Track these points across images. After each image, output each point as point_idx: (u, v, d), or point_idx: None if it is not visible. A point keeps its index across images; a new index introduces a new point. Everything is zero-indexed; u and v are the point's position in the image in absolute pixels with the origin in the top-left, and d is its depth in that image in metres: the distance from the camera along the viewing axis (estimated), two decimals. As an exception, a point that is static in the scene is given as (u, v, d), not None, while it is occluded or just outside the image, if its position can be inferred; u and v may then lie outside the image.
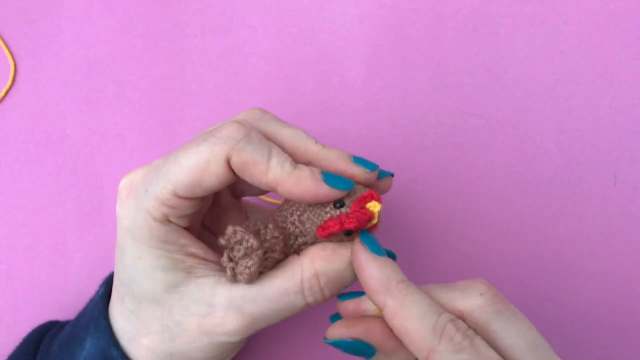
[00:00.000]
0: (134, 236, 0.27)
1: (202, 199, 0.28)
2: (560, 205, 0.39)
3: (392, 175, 0.31)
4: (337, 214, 0.27)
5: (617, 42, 0.40)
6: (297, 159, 0.28)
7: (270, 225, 0.28)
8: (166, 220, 0.27)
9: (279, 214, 0.29)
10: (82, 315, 0.32)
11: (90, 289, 0.39)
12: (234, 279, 0.27)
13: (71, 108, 0.41)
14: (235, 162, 0.26)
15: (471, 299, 0.25)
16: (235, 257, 0.27)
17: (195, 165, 0.26)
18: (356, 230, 0.27)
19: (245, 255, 0.27)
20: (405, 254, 0.39)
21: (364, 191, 0.28)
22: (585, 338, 0.38)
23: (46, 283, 0.40)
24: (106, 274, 0.37)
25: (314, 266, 0.27)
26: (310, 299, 0.27)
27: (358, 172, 0.28)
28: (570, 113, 0.40)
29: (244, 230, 0.27)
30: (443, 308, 0.25)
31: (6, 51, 0.41)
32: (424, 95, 0.40)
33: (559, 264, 0.39)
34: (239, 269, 0.27)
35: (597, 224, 0.39)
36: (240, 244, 0.27)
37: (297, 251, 0.29)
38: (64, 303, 0.39)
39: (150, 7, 0.42)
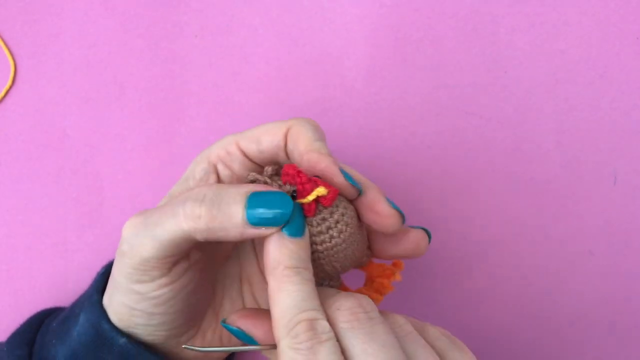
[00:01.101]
0: (190, 168, 0.31)
1: (248, 167, 0.30)
2: (560, 205, 0.39)
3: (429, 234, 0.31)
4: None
5: (617, 42, 0.40)
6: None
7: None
8: (213, 163, 0.30)
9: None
10: (81, 296, 0.33)
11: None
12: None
13: (71, 108, 0.41)
14: (292, 132, 0.28)
15: (334, 310, 0.25)
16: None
17: (263, 127, 0.29)
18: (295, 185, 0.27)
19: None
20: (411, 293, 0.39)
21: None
22: (585, 338, 0.38)
23: (46, 283, 0.40)
24: (106, 274, 0.37)
25: (209, 186, 0.27)
26: (184, 221, 0.26)
27: (344, 185, 0.27)
28: (570, 113, 0.40)
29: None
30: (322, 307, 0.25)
31: (6, 51, 0.41)
32: (424, 95, 0.40)
33: (559, 264, 0.39)
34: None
35: (597, 224, 0.39)
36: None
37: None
38: (64, 303, 0.39)
39: (150, 7, 0.42)
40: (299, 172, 0.27)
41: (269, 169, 0.28)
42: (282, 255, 0.25)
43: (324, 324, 0.24)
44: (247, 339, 0.27)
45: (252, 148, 0.29)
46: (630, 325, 0.38)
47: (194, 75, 0.41)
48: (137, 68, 0.41)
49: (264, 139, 0.29)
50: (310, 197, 0.26)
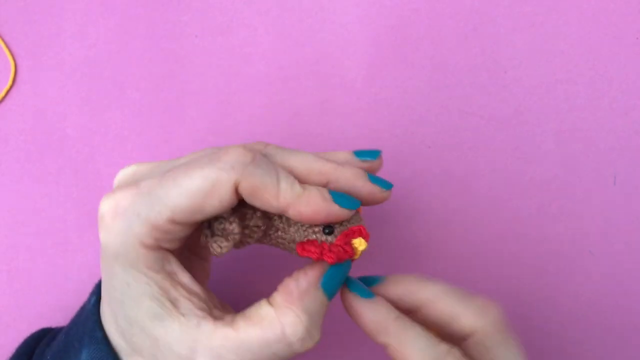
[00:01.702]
0: (122, 262, 0.26)
1: (193, 225, 0.27)
2: (560, 205, 0.39)
3: (391, 186, 0.31)
4: (322, 239, 0.27)
5: (617, 42, 0.40)
6: (312, 181, 0.28)
7: (259, 213, 0.28)
8: (156, 246, 0.26)
9: None
10: (74, 324, 0.31)
11: (90, 289, 0.39)
12: (205, 243, 0.28)
13: (71, 108, 0.41)
14: (245, 187, 0.25)
15: (483, 321, 0.27)
16: (215, 228, 0.27)
17: (199, 189, 0.25)
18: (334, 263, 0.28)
19: (223, 235, 0.27)
20: (405, 254, 0.39)
21: (356, 221, 0.28)
22: (585, 338, 0.38)
23: (46, 283, 0.40)
24: (106, 274, 0.37)
25: (291, 309, 0.26)
26: (297, 346, 0.26)
27: (374, 190, 0.28)
28: (570, 113, 0.40)
29: (230, 212, 0.27)
30: (451, 321, 0.27)
31: (6, 51, 0.41)
32: (424, 95, 0.40)
33: (559, 264, 0.39)
34: (213, 243, 0.27)
35: (597, 224, 0.39)
36: (222, 224, 0.27)
37: (272, 243, 0.29)
38: (64, 303, 0.39)
39: (150, 7, 0.42)
40: (328, 247, 0.27)
41: (235, 230, 0.27)
42: (382, 314, 0.27)
43: (455, 349, 0.26)
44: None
45: (195, 219, 0.26)
46: (630, 325, 0.38)
47: (194, 75, 0.41)
48: (137, 68, 0.41)
49: (208, 208, 0.26)
50: (358, 255, 0.28)
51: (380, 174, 0.32)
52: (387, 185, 0.29)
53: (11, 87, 0.41)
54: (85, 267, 0.40)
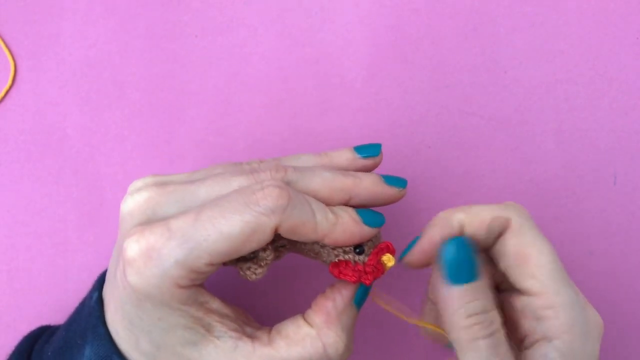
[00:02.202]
0: (154, 301, 0.26)
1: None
2: (560, 205, 0.39)
3: (407, 183, 0.32)
4: (355, 259, 0.28)
5: (617, 42, 0.40)
6: (336, 200, 0.29)
7: (288, 246, 0.29)
8: (190, 286, 0.27)
9: None
10: (75, 320, 0.31)
11: (89, 289, 0.39)
12: (239, 272, 0.28)
13: (71, 108, 0.41)
14: (285, 228, 0.26)
15: (509, 213, 0.28)
16: (247, 262, 0.28)
17: (240, 234, 0.25)
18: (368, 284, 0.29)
19: (257, 264, 0.28)
20: (405, 254, 0.39)
21: (379, 235, 0.30)
22: (585, 338, 0.38)
23: (46, 283, 0.40)
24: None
25: (331, 329, 0.28)
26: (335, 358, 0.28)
27: (393, 192, 0.30)
28: (570, 113, 0.40)
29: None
30: (483, 226, 0.28)
31: (6, 51, 0.41)
32: (424, 95, 0.40)
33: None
34: (246, 270, 0.28)
35: (597, 224, 0.39)
36: (255, 252, 0.28)
37: (304, 254, 0.30)
38: (64, 303, 0.39)
39: (150, 7, 0.42)
40: (359, 270, 0.28)
41: (269, 259, 0.28)
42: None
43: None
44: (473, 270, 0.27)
45: (231, 258, 0.27)
46: (630, 325, 0.38)
47: (194, 75, 0.41)
48: (137, 68, 0.41)
49: (247, 249, 0.26)
50: (387, 268, 0.29)
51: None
52: (403, 183, 0.31)
53: (11, 87, 0.41)
54: (85, 267, 0.40)
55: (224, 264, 0.28)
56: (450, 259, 0.26)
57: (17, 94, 0.41)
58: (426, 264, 0.29)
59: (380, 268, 0.28)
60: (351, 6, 0.41)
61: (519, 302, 0.28)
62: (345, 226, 0.27)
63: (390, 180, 0.30)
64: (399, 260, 0.29)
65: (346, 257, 0.28)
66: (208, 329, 0.28)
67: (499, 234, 0.28)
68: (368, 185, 0.29)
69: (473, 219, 0.28)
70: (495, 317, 0.26)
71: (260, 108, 0.41)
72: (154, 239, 0.26)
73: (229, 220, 0.25)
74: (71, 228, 0.40)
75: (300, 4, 0.41)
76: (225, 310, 0.28)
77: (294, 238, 0.27)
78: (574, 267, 0.39)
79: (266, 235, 0.26)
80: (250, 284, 0.39)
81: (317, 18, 0.41)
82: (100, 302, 0.30)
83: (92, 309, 0.30)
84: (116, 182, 0.40)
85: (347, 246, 0.28)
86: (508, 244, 0.28)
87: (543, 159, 0.40)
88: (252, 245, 0.26)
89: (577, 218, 0.39)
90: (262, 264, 0.28)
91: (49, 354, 0.31)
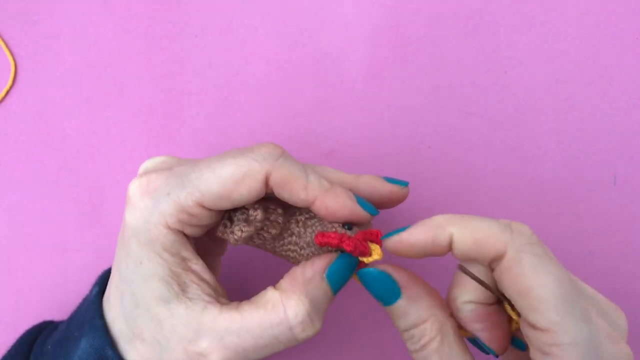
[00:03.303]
0: (140, 238, 0.27)
1: (217, 213, 0.28)
2: (560, 205, 0.39)
3: (408, 184, 0.32)
4: (342, 232, 0.28)
5: (617, 42, 0.40)
6: None
7: (280, 210, 0.29)
8: (176, 230, 0.27)
9: (290, 210, 0.30)
10: (75, 315, 0.32)
11: (89, 289, 0.39)
12: (223, 233, 0.28)
13: (71, 108, 0.41)
14: (275, 178, 0.27)
15: (510, 238, 0.26)
16: (236, 217, 0.28)
17: (232, 175, 0.26)
18: (349, 253, 0.28)
19: (246, 220, 0.28)
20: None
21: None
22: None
23: (46, 283, 0.40)
24: (106, 274, 0.37)
25: (294, 292, 0.27)
26: (297, 330, 0.27)
27: (394, 189, 0.30)
28: (570, 113, 0.40)
29: (256, 202, 0.28)
30: (480, 247, 0.26)
31: (6, 51, 0.41)
32: (424, 95, 0.40)
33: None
34: (234, 228, 0.28)
35: (597, 224, 0.39)
36: (247, 210, 0.28)
37: (283, 249, 0.29)
38: (64, 303, 0.39)
39: (150, 7, 0.42)
40: (347, 240, 0.27)
41: (258, 217, 0.28)
42: (437, 220, 0.27)
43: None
44: (392, 290, 0.27)
45: (222, 206, 0.27)
46: (630, 325, 0.38)
47: (194, 75, 0.41)
48: (137, 68, 0.41)
49: (236, 196, 0.27)
50: (366, 260, 0.28)
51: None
52: (404, 182, 0.31)
53: (11, 87, 0.41)
54: (85, 267, 0.40)
55: (224, 232, 0.28)
56: (370, 288, 0.28)
57: (17, 94, 0.41)
58: (402, 255, 0.28)
59: (366, 245, 0.28)
60: (351, 6, 0.41)
61: (526, 330, 0.25)
62: (338, 194, 0.27)
63: (390, 179, 0.30)
64: (380, 239, 0.28)
65: (333, 230, 0.28)
66: (183, 288, 0.28)
67: (493, 259, 0.26)
68: (368, 180, 0.30)
69: (465, 236, 0.26)
70: (424, 331, 0.26)
71: (260, 108, 0.41)
72: (154, 177, 0.28)
73: (223, 163, 0.27)
74: (71, 228, 0.40)
75: (300, 4, 0.41)
76: (206, 275, 0.28)
77: (284, 195, 0.27)
78: (574, 267, 0.39)
79: (257, 183, 0.26)
80: (249, 285, 0.39)
81: (317, 18, 0.41)
82: (99, 296, 0.31)
83: (90, 302, 0.31)
84: (116, 182, 0.40)
85: (334, 227, 0.28)
86: (505, 273, 0.25)
87: (543, 159, 0.40)
88: (243, 191, 0.26)
89: (577, 218, 0.39)
90: (251, 224, 0.28)
91: (49, 347, 0.31)
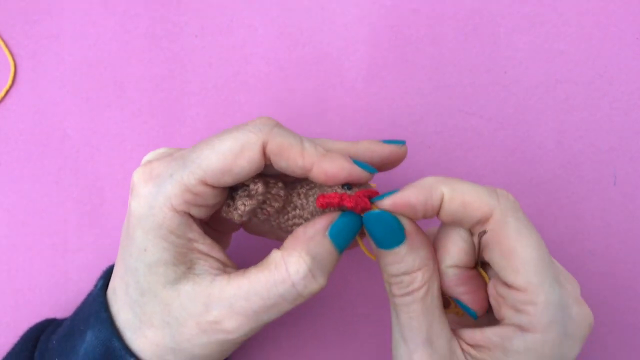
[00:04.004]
0: (144, 225, 0.27)
1: (221, 192, 0.28)
2: (560, 205, 0.39)
3: (405, 142, 0.32)
4: (342, 192, 0.28)
5: (617, 42, 0.40)
6: None
7: (280, 184, 0.29)
8: (182, 211, 0.27)
9: (291, 185, 0.30)
10: (80, 309, 0.32)
11: (90, 288, 0.39)
12: (227, 212, 0.29)
13: (71, 108, 0.41)
14: (272, 147, 0.27)
15: (496, 202, 0.27)
16: (238, 195, 0.28)
17: (230, 149, 0.27)
18: (351, 209, 0.28)
19: (248, 195, 0.28)
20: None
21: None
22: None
23: (46, 283, 0.40)
24: (106, 274, 0.37)
25: (295, 249, 0.27)
26: (300, 287, 0.27)
27: (391, 148, 0.30)
28: (570, 113, 0.40)
29: (256, 175, 0.28)
30: (468, 209, 0.27)
31: (6, 51, 0.41)
32: (424, 95, 0.40)
33: (559, 264, 0.39)
34: (237, 204, 0.28)
35: (597, 224, 0.39)
36: (248, 186, 0.28)
37: (288, 223, 0.30)
38: (64, 303, 0.39)
39: (150, 7, 0.42)
40: (347, 198, 0.28)
41: (259, 190, 0.28)
42: (427, 182, 0.27)
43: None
44: (398, 233, 0.27)
45: (225, 181, 0.27)
46: (631, 325, 0.38)
47: (194, 75, 0.41)
48: (137, 68, 0.41)
49: (237, 169, 0.27)
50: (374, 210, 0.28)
51: (381, 173, 0.32)
52: (401, 142, 0.31)
53: (11, 87, 0.41)
54: (85, 267, 0.40)
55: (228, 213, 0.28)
56: (372, 229, 0.27)
57: (17, 94, 0.41)
58: (397, 214, 0.28)
59: (366, 202, 0.28)
60: (351, 6, 0.41)
61: (502, 289, 0.27)
62: (335, 158, 0.28)
63: (387, 141, 0.31)
64: (371, 202, 0.28)
65: (333, 192, 0.28)
66: (190, 265, 0.28)
67: (479, 221, 0.27)
68: (365, 144, 0.30)
69: (454, 197, 0.27)
70: (414, 278, 0.27)
71: (260, 108, 0.41)
72: (157, 164, 0.28)
73: (220, 139, 0.27)
74: (71, 228, 0.40)
75: (300, 4, 0.41)
76: (213, 252, 0.29)
77: (282, 164, 0.28)
78: (574, 267, 0.39)
79: (255, 153, 0.27)
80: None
81: (317, 18, 0.41)
82: (104, 289, 0.31)
83: (95, 295, 0.31)
84: (116, 182, 0.40)
85: (336, 185, 0.28)
86: (490, 235, 0.27)
87: (543, 159, 0.40)
88: (243, 163, 0.27)
89: (577, 218, 0.39)
90: (253, 198, 0.28)
91: (54, 342, 0.32)
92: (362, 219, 0.28)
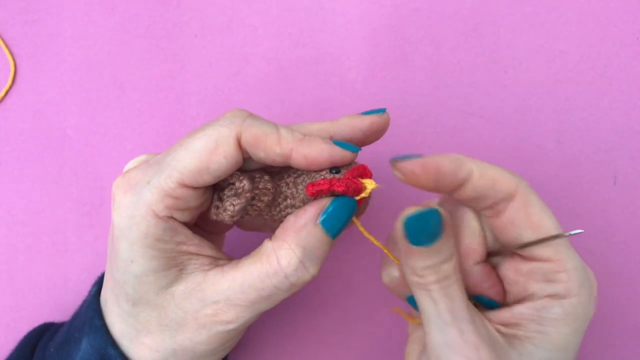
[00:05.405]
0: (129, 237, 0.27)
1: (204, 192, 0.28)
2: (560, 205, 0.39)
3: (385, 110, 0.31)
4: (330, 177, 0.28)
5: (617, 42, 0.40)
6: None
7: (266, 177, 0.28)
8: (166, 217, 0.27)
9: (278, 175, 0.30)
10: (76, 316, 0.32)
11: (89, 290, 0.39)
12: (217, 215, 0.28)
13: (71, 108, 0.41)
14: (247, 138, 0.26)
15: (520, 182, 0.28)
16: (225, 195, 0.28)
17: (204, 147, 0.26)
18: (343, 194, 0.27)
19: (235, 194, 0.27)
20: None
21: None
22: (585, 338, 0.38)
23: (46, 283, 0.40)
24: (106, 274, 0.37)
25: (285, 241, 0.27)
26: (293, 278, 0.27)
27: (372, 119, 0.29)
28: (570, 113, 0.40)
29: (240, 172, 0.28)
30: (493, 186, 0.28)
31: (6, 51, 0.41)
32: (424, 95, 0.40)
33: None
34: (225, 204, 0.28)
35: (597, 224, 0.39)
36: (233, 184, 0.27)
37: (281, 214, 0.29)
38: (64, 303, 0.39)
39: (150, 7, 0.42)
40: (337, 182, 0.27)
41: (245, 187, 0.27)
42: (456, 158, 0.27)
43: None
44: (439, 225, 0.27)
45: (204, 180, 0.27)
46: (631, 325, 0.38)
47: (194, 75, 0.41)
48: (137, 68, 0.41)
49: (214, 166, 0.26)
50: (366, 193, 0.28)
51: (381, 173, 0.32)
52: (381, 110, 0.30)
53: (11, 87, 0.41)
54: (85, 267, 0.40)
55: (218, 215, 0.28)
56: (413, 230, 0.27)
57: (17, 94, 0.41)
58: (412, 180, 0.27)
59: (357, 182, 0.27)
60: (351, 6, 0.41)
61: (526, 266, 0.28)
62: (313, 141, 0.27)
63: (367, 112, 0.30)
64: (391, 161, 0.27)
65: (321, 178, 0.28)
66: (181, 268, 0.28)
67: (503, 198, 0.27)
68: (345, 121, 0.29)
69: (485, 173, 0.27)
70: (450, 265, 0.27)
71: (260, 108, 0.41)
72: (134, 172, 0.28)
73: (193, 138, 0.27)
74: (71, 228, 0.40)
75: (300, 4, 0.41)
76: (205, 251, 0.28)
77: (259, 155, 0.27)
78: (574, 267, 0.39)
79: (230, 147, 0.26)
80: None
81: (317, 18, 0.41)
82: (97, 296, 0.31)
83: (89, 302, 0.31)
84: (116, 182, 0.40)
85: (323, 175, 0.28)
86: (519, 212, 0.27)
87: (543, 159, 0.40)
88: (219, 160, 0.26)
89: (577, 218, 0.39)
90: (241, 196, 0.27)
91: (51, 349, 0.31)
92: (355, 201, 0.28)
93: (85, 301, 0.32)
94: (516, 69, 0.40)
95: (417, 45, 0.41)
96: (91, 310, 0.30)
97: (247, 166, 0.29)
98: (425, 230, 0.26)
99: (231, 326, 0.27)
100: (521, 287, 0.28)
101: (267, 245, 0.28)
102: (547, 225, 0.27)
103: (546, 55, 0.40)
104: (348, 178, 0.27)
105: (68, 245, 0.40)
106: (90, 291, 0.32)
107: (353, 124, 0.29)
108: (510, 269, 0.28)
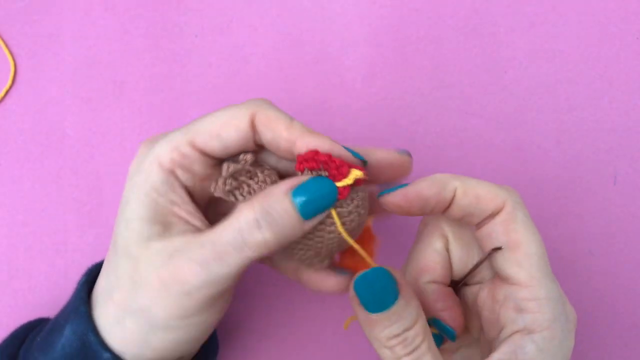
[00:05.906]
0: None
1: (210, 165, 0.28)
2: (560, 205, 0.39)
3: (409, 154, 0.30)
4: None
5: (617, 42, 0.40)
6: None
7: (275, 172, 0.29)
8: (168, 170, 0.28)
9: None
10: (64, 307, 0.32)
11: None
12: (215, 189, 0.28)
13: (71, 108, 0.41)
14: (260, 117, 0.27)
15: (506, 199, 0.27)
16: (226, 165, 0.28)
17: (219, 117, 0.28)
18: (325, 166, 0.27)
19: (234, 161, 0.28)
20: (405, 255, 0.39)
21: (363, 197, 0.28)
22: (585, 338, 0.38)
23: (46, 283, 0.40)
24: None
25: (252, 202, 0.27)
26: (245, 234, 0.26)
27: (393, 156, 0.30)
28: (570, 113, 0.40)
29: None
30: (478, 204, 0.27)
31: (6, 51, 0.41)
32: (424, 95, 0.40)
33: (559, 263, 0.39)
34: (221, 169, 0.28)
35: (597, 224, 0.39)
36: (238, 161, 0.28)
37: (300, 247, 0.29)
38: (64, 303, 0.39)
39: (150, 7, 0.42)
40: (331, 156, 0.27)
41: (247, 158, 0.28)
42: (438, 178, 0.27)
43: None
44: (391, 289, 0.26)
45: (213, 146, 0.28)
46: (631, 325, 0.38)
47: (194, 75, 0.41)
48: (137, 68, 0.41)
49: (226, 135, 0.27)
50: (349, 180, 0.27)
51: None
52: (404, 151, 0.30)
53: (11, 87, 0.41)
54: (85, 267, 0.40)
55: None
56: (364, 294, 0.26)
57: (17, 94, 0.41)
58: (400, 211, 0.28)
59: (342, 163, 0.26)
60: (351, 6, 0.41)
61: (501, 291, 0.27)
62: (323, 138, 0.27)
63: (353, 152, 0.29)
64: (378, 196, 0.28)
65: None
66: (166, 227, 0.28)
67: (491, 214, 0.27)
68: (328, 147, 0.28)
69: (468, 190, 0.27)
70: (417, 331, 0.26)
71: (260, 108, 0.41)
72: (159, 133, 0.29)
73: (213, 112, 0.28)
74: (71, 228, 0.40)
75: (300, 4, 0.41)
76: (195, 220, 0.28)
77: (268, 136, 0.27)
78: (574, 267, 0.39)
79: (242, 122, 0.27)
80: (254, 289, 0.39)
81: (317, 18, 0.41)
82: (85, 285, 0.31)
83: (77, 291, 0.31)
84: (116, 182, 0.40)
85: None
86: (498, 227, 0.27)
87: (543, 159, 0.40)
88: (231, 130, 0.27)
89: (577, 218, 0.39)
90: (239, 160, 0.28)
91: (38, 339, 0.32)
92: (335, 185, 0.27)
93: (74, 291, 0.32)
94: (516, 69, 0.40)
95: (417, 45, 0.41)
96: (78, 298, 0.30)
97: (260, 161, 0.30)
98: (376, 294, 0.26)
99: (187, 287, 0.26)
100: (495, 318, 0.27)
101: (237, 208, 0.28)
102: (526, 244, 0.26)
103: (546, 55, 0.40)
104: (341, 162, 0.27)
105: (68, 245, 0.40)
106: (79, 281, 0.32)
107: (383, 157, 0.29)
108: (489, 297, 0.28)
